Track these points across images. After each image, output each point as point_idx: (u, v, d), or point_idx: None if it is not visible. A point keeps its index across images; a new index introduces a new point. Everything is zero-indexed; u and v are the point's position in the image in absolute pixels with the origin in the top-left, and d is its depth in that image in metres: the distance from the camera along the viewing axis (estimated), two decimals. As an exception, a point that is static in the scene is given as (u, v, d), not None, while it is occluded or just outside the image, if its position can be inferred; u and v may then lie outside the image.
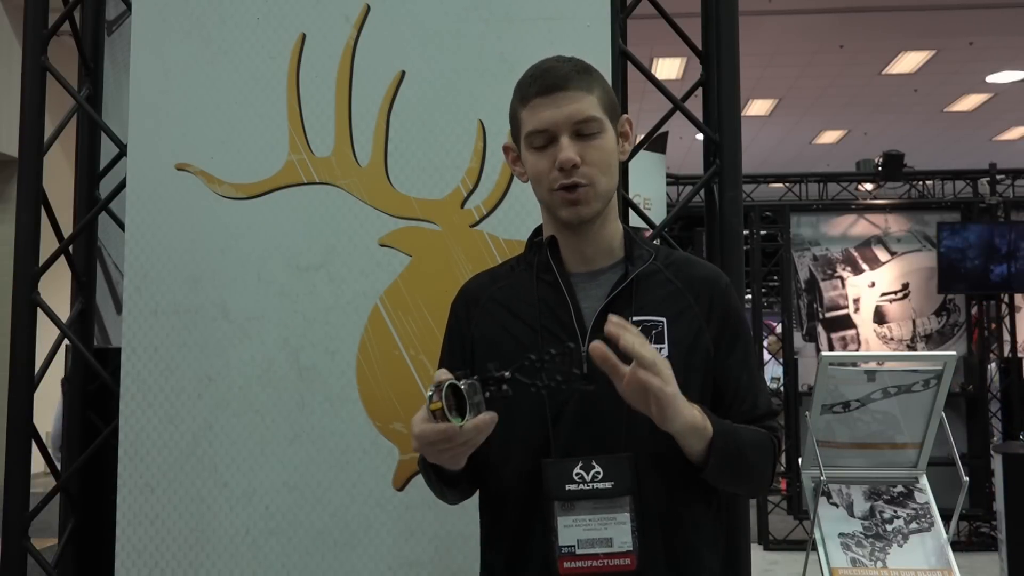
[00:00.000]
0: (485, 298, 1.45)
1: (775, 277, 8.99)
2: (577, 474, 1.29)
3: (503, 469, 1.38)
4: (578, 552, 1.27)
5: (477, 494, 1.47)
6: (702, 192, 2.17)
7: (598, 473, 1.29)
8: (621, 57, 2.10)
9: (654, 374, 1.19)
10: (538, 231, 1.50)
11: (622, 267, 1.41)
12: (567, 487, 1.29)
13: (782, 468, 8.14)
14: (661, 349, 1.35)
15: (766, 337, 8.35)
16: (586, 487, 1.29)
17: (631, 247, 1.43)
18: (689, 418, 1.25)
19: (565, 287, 1.38)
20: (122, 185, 2.11)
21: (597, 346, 1.20)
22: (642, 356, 1.19)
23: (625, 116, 1.45)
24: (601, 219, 1.40)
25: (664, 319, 1.37)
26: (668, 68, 9.32)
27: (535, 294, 1.39)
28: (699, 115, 2.19)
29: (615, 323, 1.21)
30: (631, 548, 1.27)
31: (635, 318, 1.35)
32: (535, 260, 1.43)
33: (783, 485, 8.06)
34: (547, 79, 1.35)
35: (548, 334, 1.35)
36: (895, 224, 7.62)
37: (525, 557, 1.34)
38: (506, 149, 1.48)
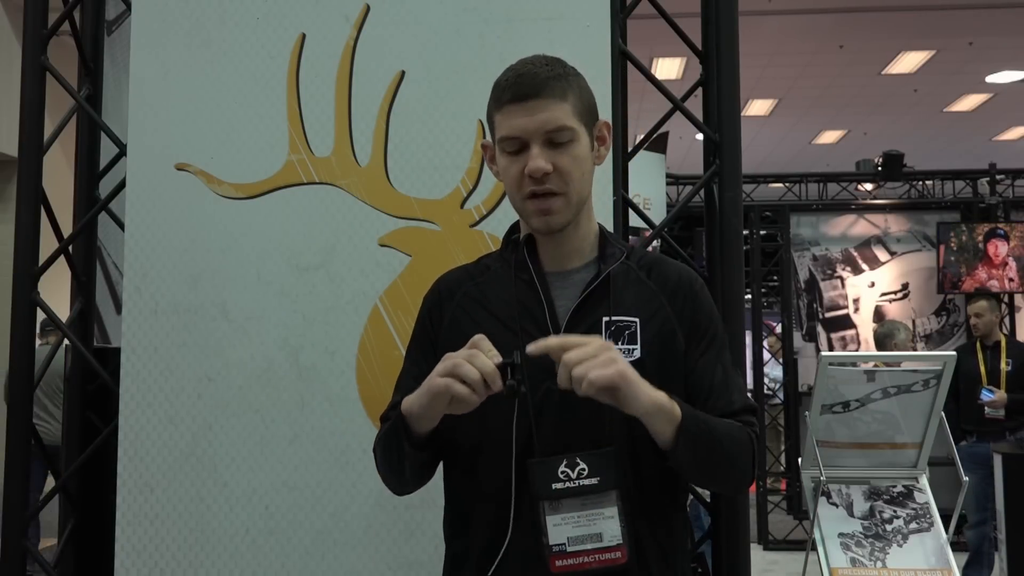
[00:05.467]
0: (460, 294, 1.46)
1: (775, 277, 8.98)
2: (563, 472, 1.30)
3: (478, 463, 1.38)
4: (569, 549, 1.27)
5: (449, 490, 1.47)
6: (702, 192, 2.17)
7: (583, 470, 1.30)
8: (621, 57, 2.10)
9: (590, 359, 1.21)
10: (515, 228, 1.51)
11: (595, 266, 1.42)
12: (553, 486, 1.29)
13: (782, 468, 8.16)
14: (633, 350, 1.36)
15: (766, 337, 8.34)
16: (572, 484, 1.29)
17: (604, 246, 1.44)
18: (654, 398, 1.26)
19: (540, 286, 1.40)
20: (122, 185, 2.11)
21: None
22: (568, 346, 1.22)
23: (603, 121, 1.45)
24: (574, 224, 1.41)
25: (637, 320, 1.38)
26: (668, 68, 9.32)
27: (512, 293, 1.40)
28: (699, 115, 2.19)
29: (532, 348, 1.24)
30: (621, 541, 1.28)
31: (608, 318, 1.37)
32: (512, 258, 1.44)
33: (783, 485, 8.06)
34: (520, 86, 1.35)
35: (524, 333, 1.37)
36: (895, 224, 7.63)
37: (504, 551, 1.34)
38: (484, 147, 1.50)
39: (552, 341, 1.24)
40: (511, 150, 1.37)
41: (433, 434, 1.34)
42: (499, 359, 1.23)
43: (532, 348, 1.24)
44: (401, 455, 1.35)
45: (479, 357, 1.23)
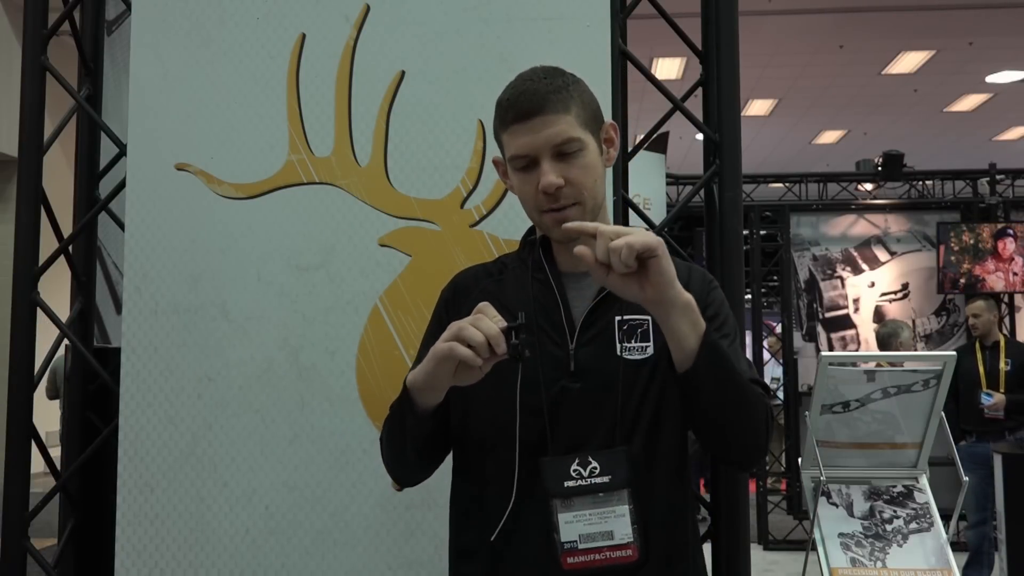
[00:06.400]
0: (477, 290, 1.47)
1: (775, 277, 8.99)
2: (575, 471, 1.31)
3: (488, 458, 1.38)
4: (581, 547, 1.29)
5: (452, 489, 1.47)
6: (702, 192, 2.17)
7: (595, 468, 1.31)
8: (621, 57, 2.10)
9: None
10: (532, 229, 1.52)
11: None
12: (566, 484, 1.30)
13: (782, 468, 8.16)
14: (647, 347, 1.37)
15: (766, 337, 8.34)
16: (584, 483, 1.30)
17: None
18: (684, 293, 1.25)
19: (556, 287, 1.41)
20: (122, 185, 2.11)
21: (581, 250, 1.22)
22: (605, 231, 1.21)
23: (609, 123, 1.45)
24: None
25: (649, 318, 1.38)
26: (668, 68, 9.33)
27: (529, 292, 1.42)
28: (699, 115, 2.19)
29: (568, 227, 1.25)
30: (632, 539, 1.29)
31: (620, 317, 1.38)
32: (529, 258, 1.46)
33: (783, 485, 8.06)
34: (522, 104, 1.35)
35: (540, 332, 1.38)
36: (895, 224, 7.64)
37: (515, 548, 1.34)
38: (496, 163, 1.51)
39: (588, 224, 1.24)
40: (521, 168, 1.38)
41: (438, 410, 1.33)
42: (504, 324, 1.23)
43: (569, 226, 1.25)
44: (404, 430, 1.35)
45: (484, 321, 1.23)
